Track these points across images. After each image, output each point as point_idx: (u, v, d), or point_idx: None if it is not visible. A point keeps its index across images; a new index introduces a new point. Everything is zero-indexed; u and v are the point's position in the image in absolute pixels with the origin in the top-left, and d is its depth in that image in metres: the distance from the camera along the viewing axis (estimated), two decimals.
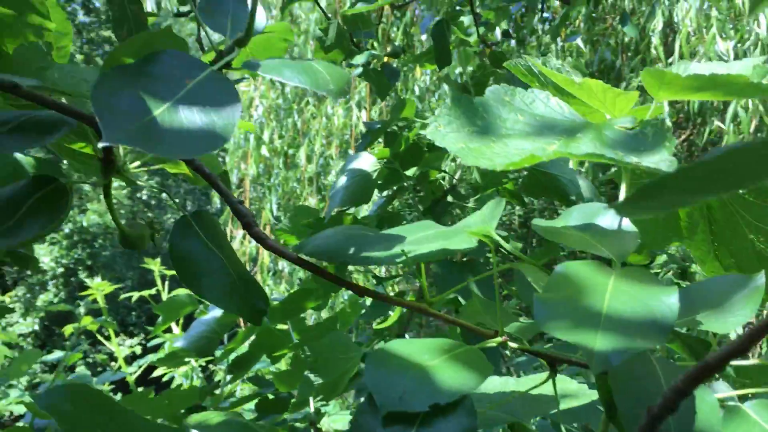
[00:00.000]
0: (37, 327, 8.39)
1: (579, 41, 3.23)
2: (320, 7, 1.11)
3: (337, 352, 1.09)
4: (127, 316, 9.17)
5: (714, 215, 0.60)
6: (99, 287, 1.94)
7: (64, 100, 0.76)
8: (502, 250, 0.55)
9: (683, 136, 4.09)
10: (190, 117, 0.35)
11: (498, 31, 1.51)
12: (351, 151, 4.01)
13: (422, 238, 0.44)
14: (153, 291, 1.99)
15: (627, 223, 0.52)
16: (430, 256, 0.44)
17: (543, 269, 0.46)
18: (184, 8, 1.06)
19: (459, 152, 0.42)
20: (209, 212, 0.49)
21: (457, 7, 1.15)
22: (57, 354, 2.02)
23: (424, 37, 3.36)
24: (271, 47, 0.49)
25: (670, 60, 3.11)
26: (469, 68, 1.39)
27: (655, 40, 3.11)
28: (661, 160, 0.40)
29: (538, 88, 0.54)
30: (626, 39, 3.20)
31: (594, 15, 3.17)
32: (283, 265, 4.66)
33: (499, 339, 0.44)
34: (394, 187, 1.31)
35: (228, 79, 0.38)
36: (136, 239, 0.53)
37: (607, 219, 0.52)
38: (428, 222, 0.49)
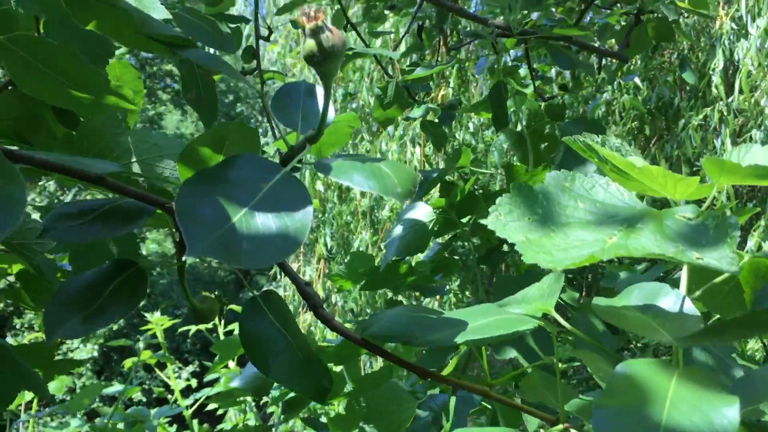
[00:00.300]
0: (96, 353, 8.60)
1: (636, 78, 3.21)
2: (381, 66, 1.13)
3: (392, 403, 1.10)
4: (182, 344, 9.33)
5: None
6: (158, 321, 1.99)
7: (137, 167, 0.80)
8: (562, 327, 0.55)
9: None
10: (266, 222, 0.37)
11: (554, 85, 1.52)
12: None
13: (483, 326, 0.45)
14: (209, 325, 2.03)
15: (689, 306, 0.52)
16: (490, 341, 0.45)
17: (605, 358, 0.46)
18: (250, 66, 1.11)
19: (519, 247, 0.43)
20: (277, 293, 0.51)
21: (515, 62, 1.17)
22: (116, 387, 2.08)
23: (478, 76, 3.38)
24: (338, 134, 0.51)
25: (730, 99, 3.06)
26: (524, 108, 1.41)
27: (716, 78, 3.06)
28: (723, 257, 0.40)
29: (598, 164, 0.55)
30: None
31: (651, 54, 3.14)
32: (337, 298, 4.69)
33: (560, 427, 0.45)
34: (449, 235, 1.32)
35: (300, 182, 0.40)
36: (207, 313, 0.55)
37: (669, 300, 0.52)
38: (488, 307, 0.50)
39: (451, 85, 3.75)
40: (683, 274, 0.52)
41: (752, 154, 0.53)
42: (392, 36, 2.92)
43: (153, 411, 1.94)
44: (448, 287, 1.56)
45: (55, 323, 0.45)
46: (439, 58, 2.03)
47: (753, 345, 3.01)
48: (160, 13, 0.61)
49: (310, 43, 0.39)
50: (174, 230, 0.49)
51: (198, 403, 2.05)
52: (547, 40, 0.99)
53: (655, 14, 1.08)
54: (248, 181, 0.39)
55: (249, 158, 0.41)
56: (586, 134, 0.61)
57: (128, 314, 0.46)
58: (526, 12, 1.19)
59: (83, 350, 8.28)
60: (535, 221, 0.46)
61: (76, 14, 0.42)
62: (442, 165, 3.84)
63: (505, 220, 0.46)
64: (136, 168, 0.88)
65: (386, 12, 1.52)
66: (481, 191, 1.36)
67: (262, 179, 0.40)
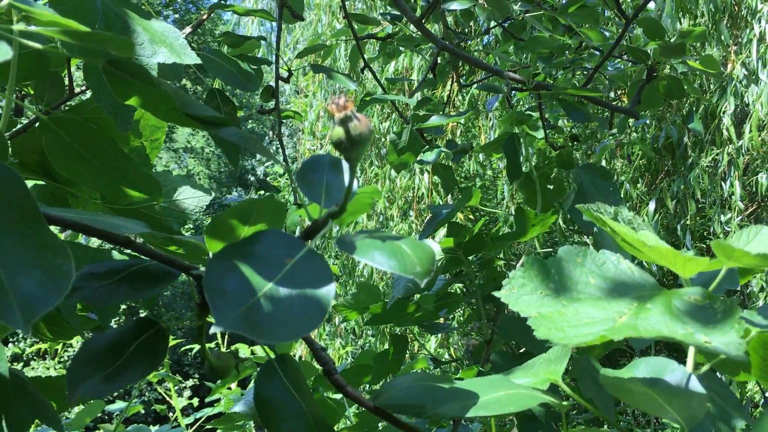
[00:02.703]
0: None
1: (646, 118, 3.24)
2: (398, 111, 1.16)
3: None
4: (183, 356, 9.33)
5: None
6: None
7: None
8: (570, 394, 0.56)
9: (750, 209, 4.01)
10: (290, 298, 0.39)
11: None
12: (412, 213, 4.06)
13: (493, 401, 0.47)
14: (212, 345, 2.04)
15: (695, 383, 0.53)
16: (500, 416, 0.47)
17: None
18: (268, 105, 1.13)
19: (532, 322, 0.45)
20: (292, 357, 0.52)
21: (528, 110, 1.19)
22: (118, 405, 2.09)
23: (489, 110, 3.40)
24: (359, 204, 0.53)
25: (740, 143, 3.09)
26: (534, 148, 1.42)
27: (726, 120, 3.09)
28: (730, 342, 0.41)
29: (609, 233, 0.56)
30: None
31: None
32: (339, 319, 4.70)
33: None
34: (456, 271, 1.34)
35: (322, 258, 0.42)
36: (223, 369, 0.57)
37: (676, 376, 0.53)
38: (497, 380, 0.51)
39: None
40: (690, 351, 0.53)
41: (762, 236, 0.54)
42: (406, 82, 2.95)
43: (154, 430, 1.95)
44: (452, 323, 1.57)
45: (77, 381, 0.46)
46: (451, 94, 2.05)
47: (752, 387, 3.00)
48: (190, 57, 0.63)
49: (339, 131, 0.40)
50: (196, 292, 0.50)
51: (198, 423, 2.07)
52: (560, 95, 1.01)
53: (666, 72, 1.10)
54: (273, 257, 0.41)
55: (274, 234, 0.43)
56: (600, 204, 0.62)
57: (149, 374, 0.47)
58: (539, 64, 1.21)
59: None
60: (547, 296, 0.48)
61: (117, 89, 0.43)
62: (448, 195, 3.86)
63: (518, 294, 0.48)
64: (157, 209, 0.90)
65: (401, 48, 1.55)
66: (488, 231, 1.37)
67: (287, 254, 0.41)
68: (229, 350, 0.57)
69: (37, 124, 0.81)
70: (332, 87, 4.54)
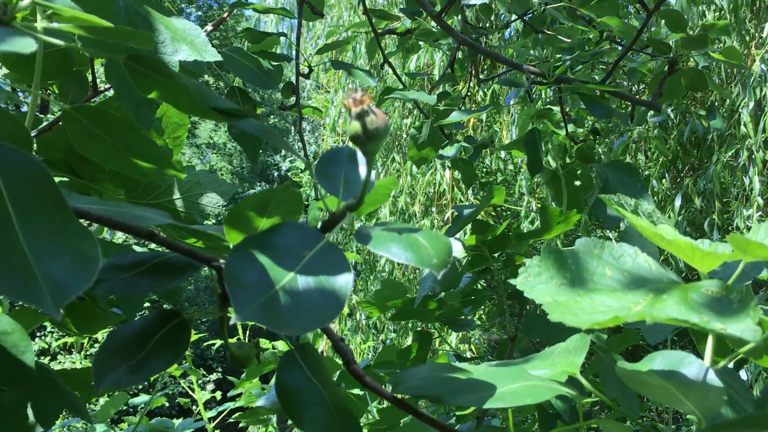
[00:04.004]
0: None
1: (669, 112, 3.21)
2: (419, 107, 1.16)
3: None
4: (206, 350, 9.42)
5: None
6: None
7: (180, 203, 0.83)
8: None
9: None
10: (308, 289, 0.40)
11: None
12: (433, 209, 4.06)
13: (511, 393, 0.47)
14: (234, 340, 2.07)
15: (712, 377, 0.52)
16: (517, 407, 0.47)
17: (627, 429, 0.47)
18: (289, 102, 1.14)
19: (546, 307, 0.45)
20: (312, 346, 0.53)
21: (549, 104, 1.19)
22: (142, 398, 2.13)
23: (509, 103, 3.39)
24: (377, 196, 0.54)
25: (760, 138, 3.05)
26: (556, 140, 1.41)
27: (744, 117, 3.06)
28: (746, 328, 0.41)
29: (630, 222, 0.56)
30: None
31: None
32: (361, 314, 4.71)
33: None
34: (480, 268, 1.34)
35: (340, 250, 0.43)
36: (244, 359, 0.58)
37: (693, 369, 0.53)
38: (515, 370, 0.52)
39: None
40: (708, 345, 0.53)
41: None
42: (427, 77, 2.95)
43: (177, 423, 1.98)
44: (474, 320, 1.57)
45: (103, 372, 0.47)
46: (471, 89, 2.05)
47: None
48: (211, 54, 0.64)
49: (356, 125, 0.41)
50: (218, 285, 0.51)
51: (220, 417, 2.10)
52: (581, 90, 1.01)
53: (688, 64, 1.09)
54: (292, 249, 0.42)
55: (293, 226, 0.43)
56: (621, 196, 0.62)
57: (172, 365, 0.48)
58: (559, 56, 1.21)
59: None
60: (563, 285, 0.48)
61: (138, 84, 0.45)
62: (469, 189, 3.86)
63: (533, 282, 0.48)
64: (180, 204, 0.91)
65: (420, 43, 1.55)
66: (510, 228, 1.37)
67: (305, 247, 0.42)
68: (250, 341, 0.59)
69: (60, 122, 0.83)
70: (353, 83, 4.55)
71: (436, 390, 0.49)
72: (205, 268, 0.53)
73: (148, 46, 0.39)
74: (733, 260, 0.52)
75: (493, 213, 3.53)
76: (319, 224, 0.47)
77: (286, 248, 0.42)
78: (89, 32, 0.38)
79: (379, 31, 1.31)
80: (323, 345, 4.05)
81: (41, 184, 0.34)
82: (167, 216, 0.50)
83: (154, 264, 0.50)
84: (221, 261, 0.50)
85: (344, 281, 0.41)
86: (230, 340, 0.58)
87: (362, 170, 0.49)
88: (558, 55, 1.25)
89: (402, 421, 1.23)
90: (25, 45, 0.31)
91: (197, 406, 2.12)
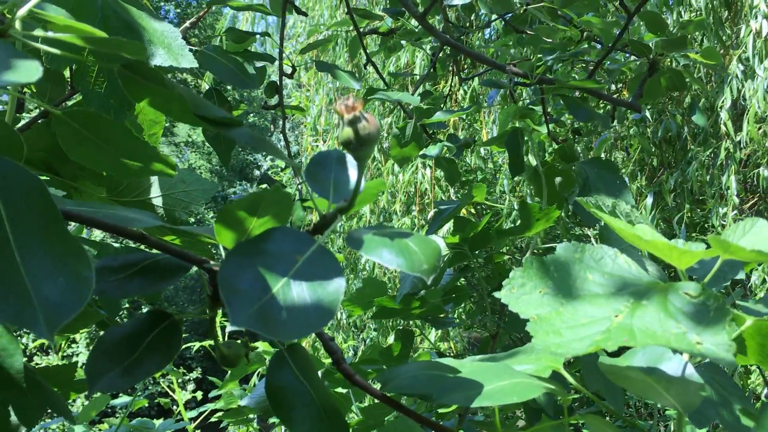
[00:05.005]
0: None
1: (646, 110, 3.25)
2: (401, 107, 1.17)
3: None
4: (185, 350, 9.37)
5: None
6: None
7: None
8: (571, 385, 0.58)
9: (750, 202, 4.02)
10: (301, 294, 0.40)
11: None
12: (414, 208, 4.08)
13: (497, 391, 0.48)
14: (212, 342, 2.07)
15: (691, 371, 0.54)
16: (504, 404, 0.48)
17: (612, 427, 0.49)
18: (272, 101, 1.14)
19: (530, 327, 0.46)
20: (302, 347, 0.54)
21: (530, 104, 1.20)
22: (123, 399, 2.12)
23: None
24: (366, 196, 0.54)
25: (738, 138, 3.11)
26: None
27: (723, 116, 3.12)
28: (721, 343, 0.43)
29: (607, 222, 0.58)
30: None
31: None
32: (340, 314, 4.71)
33: None
34: (461, 265, 1.35)
35: (332, 254, 0.43)
36: (234, 358, 0.59)
37: (673, 364, 0.55)
38: (502, 367, 0.53)
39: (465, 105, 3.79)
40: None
41: (757, 229, 0.56)
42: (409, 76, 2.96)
43: (158, 423, 1.97)
44: (455, 318, 1.59)
45: (96, 374, 0.48)
46: (453, 87, 2.06)
47: (754, 379, 3.02)
48: (187, 60, 0.64)
49: (348, 131, 0.42)
50: (208, 286, 0.52)
51: (201, 417, 2.10)
52: (562, 92, 1.02)
53: (668, 65, 1.11)
54: (285, 253, 0.42)
55: (285, 230, 0.44)
56: (598, 197, 0.64)
57: (164, 367, 0.49)
58: (540, 55, 1.23)
59: (86, 354, 8.29)
60: (546, 294, 0.49)
61: (130, 91, 0.45)
62: (452, 188, 3.87)
63: (518, 294, 0.49)
64: (160, 201, 0.91)
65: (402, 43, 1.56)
66: (491, 226, 1.38)
67: (297, 251, 0.43)
68: (239, 340, 0.59)
69: (40, 120, 0.83)
70: (334, 83, 4.54)
71: (424, 388, 0.50)
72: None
73: (141, 57, 0.40)
74: (709, 258, 0.54)
75: (474, 211, 3.55)
76: (312, 226, 0.48)
77: (279, 253, 0.42)
78: (84, 41, 0.39)
79: (362, 30, 1.32)
80: (304, 343, 4.05)
81: (38, 200, 0.34)
82: (155, 217, 0.51)
83: (145, 266, 0.51)
84: (212, 263, 0.51)
85: (336, 286, 0.42)
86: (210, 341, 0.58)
87: (353, 174, 0.50)
88: (539, 55, 1.26)
89: (386, 419, 1.24)
90: (32, 72, 0.31)
91: (177, 406, 2.12)
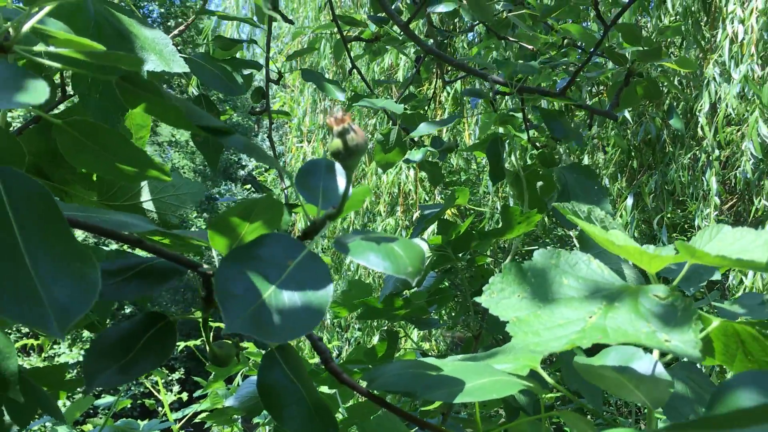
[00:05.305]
0: (82, 358, 8.51)
1: (626, 112, 3.31)
2: (387, 113, 1.19)
3: (386, 430, 1.15)
4: None
5: (748, 348, 0.65)
6: None
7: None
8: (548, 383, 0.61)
9: (730, 203, 4.09)
10: (292, 298, 0.43)
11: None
12: (398, 208, 4.10)
13: (478, 388, 0.51)
14: (198, 342, 2.08)
15: (661, 370, 0.57)
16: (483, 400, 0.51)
17: (588, 423, 0.52)
18: (258, 107, 1.16)
19: (510, 328, 0.49)
20: (292, 347, 0.56)
21: (511, 111, 1.23)
22: (107, 400, 2.12)
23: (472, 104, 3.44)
24: (353, 202, 0.57)
25: (717, 139, 3.17)
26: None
27: (702, 118, 3.19)
28: (688, 341, 0.46)
29: (584, 230, 0.61)
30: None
31: None
32: (327, 316, 4.72)
33: None
34: (445, 267, 1.38)
35: (321, 259, 0.46)
36: (225, 358, 0.61)
37: (644, 363, 0.58)
38: (483, 366, 0.56)
39: (447, 110, 3.83)
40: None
41: (723, 234, 0.59)
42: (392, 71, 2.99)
43: (142, 424, 1.98)
44: (439, 319, 1.61)
45: (94, 372, 0.50)
46: (437, 90, 2.09)
47: (729, 376, 3.07)
48: (179, 66, 0.66)
49: (337, 142, 0.44)
50: (201, 288, 0.54)
51: (186, 418, 2.11)
52: (541, 107, 1.05)
53: (645, 74, 1.15)
54: (276, 259, 0.45)
55: (276, 237, 0.46)
56: (575, 204, 0.67)
57: (159, 366, 0.51)
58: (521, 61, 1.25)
59: (69, 355, 8.24)
60: (524, 298, 0.52)
61: (127, 101, 0.47)
62: (435, 189, 3.90)
63: (497, 299, 0.52)
64: (150, 205, 0.93)
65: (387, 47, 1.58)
66: (474, 228, 1.41)
67: (289, 256, 0.45)
68: (231, 341, 0.61)
69: (31, 126, 0.85)
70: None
71: (408, 386, 0.52)
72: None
73: (137, 69, 0.42)
74: (679, 262, 0.57)
75: (457, 213, 3.58)
76: (301, 231, 0.50)
77: (271, 259, 0.45)
78: (84, 55, 0.41)
79: (347, 36, 1.34)
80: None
81: (45, 207, 0.36)
82: (149, 221, 0.53)
83: (141, 269, 0.53)
84: (206, 267, 0.53)
85: (325, 289, 0.44)
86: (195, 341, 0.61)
87: (341, 182, 0.52)
88: (520, 61, 1.29)
89: (372, 417, 1.26)
90: (40, 94, 0.33)
91: (162, 407, 2.13)
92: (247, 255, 0.45)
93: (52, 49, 0.42)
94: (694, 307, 0.48)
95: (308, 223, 0.50)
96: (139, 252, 0.57)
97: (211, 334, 0.60)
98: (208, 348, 0.60)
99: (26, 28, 0.41)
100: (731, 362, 0.67)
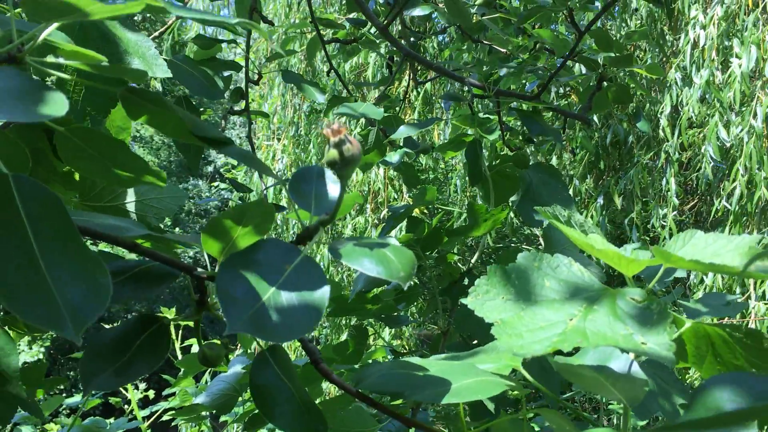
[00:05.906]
0: (41, 356, 8.38)
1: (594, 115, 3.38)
2: (366, 118, 1.21)
3: (356, 425, 1.17)
4: None
5: (718, 350, 0.68)
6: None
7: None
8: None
9: (691, 204, 4.19)
10: (290, 300, 0.44)
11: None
12: (368, 206, 4.12)
13: (465, 388, 0.53)
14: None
15: (636, 368, 0.60)
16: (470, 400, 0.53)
17: (567, 421, 0.54)
18: (238, 107, 1.17)
19: (494, 331, 0.51)
20: (282, 347, 0.58)
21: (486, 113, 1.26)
22: (76, 398, 2.11)
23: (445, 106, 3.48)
24: (345, 207, 0.59)
25: (678, 141, 3.26)
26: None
27: (663, 121, 3.27)
28: (662, 343, 0.48)
29: (562, 230, 0.63)
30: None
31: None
32: None
33: None
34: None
35: (316, 263, 0.48)
36: (215, 358, 0.62)
37: (620, 362, 0.61)
38: (468, 367, 0.58)
39: (417, 109, 3.86)
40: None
41: (696, 239, 0.62)
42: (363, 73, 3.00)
43: (110, 423, 1.97)
44: (410, 318, 1.64)
45: (91, 374, 0.51)
46: (408, 89, 2.11)
47: (693, 374, 3.16)
48: (161, 70, 0.67)
49: (333, 152, 0.46)
50: (194, 291, 0.55)
51: (155, 416, 2.10)
52: (518, 107, 1.08)
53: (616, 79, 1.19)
54: (274, 263, 0.47)
55: (273, 242, 0.48)
56: (555, 207, 0.69)
57: (154, 368, 0.52)
58: (495, 64, 1.28)
59: (28, 353, 8.09)
60: (508, 300, 0.54)
61: (130, 111, 0.48)
62: (404, 187, 3.93)
63: (482, 300, 0.54)
64: (132, 207, 0.94)
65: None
66: (443, 226, 1.43)
67: (286, 261, 0.47)
68: (220, 341, 0.63)
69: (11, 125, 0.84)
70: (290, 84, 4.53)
71: (397, 386, 0.54)
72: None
73: (142, 82, 0.43)
74: (653, 265, 0.60)
75: (426, 211, 3.61)
76: (296, 237, 0.52)
77: (269, 263, 0.47)
78: (90, 67, 0.42)
79: (325, 39, 1.35)
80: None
81: (57, 215, 0.37)
82: (142, 226, 0.54)
83: (137, 272, 0.54)
84: (200, 270, 0.55)
85: (322, 292, 0.46)
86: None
87: (333, 189, 0.54)
88: (494, 66, 1.32)
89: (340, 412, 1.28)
90: (60, 106, 0.34)
91: (129, 404, 2.12)
92: (245, 260, 0.46)
93: (61, 60, 0.43)
94: (669, 310, 0.51)
95: (302, 229, 0.52)
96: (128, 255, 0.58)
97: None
98: (198, 348, 0.61)
99: (39, 40, 0.41)
100: (701, 364, 0.70)
